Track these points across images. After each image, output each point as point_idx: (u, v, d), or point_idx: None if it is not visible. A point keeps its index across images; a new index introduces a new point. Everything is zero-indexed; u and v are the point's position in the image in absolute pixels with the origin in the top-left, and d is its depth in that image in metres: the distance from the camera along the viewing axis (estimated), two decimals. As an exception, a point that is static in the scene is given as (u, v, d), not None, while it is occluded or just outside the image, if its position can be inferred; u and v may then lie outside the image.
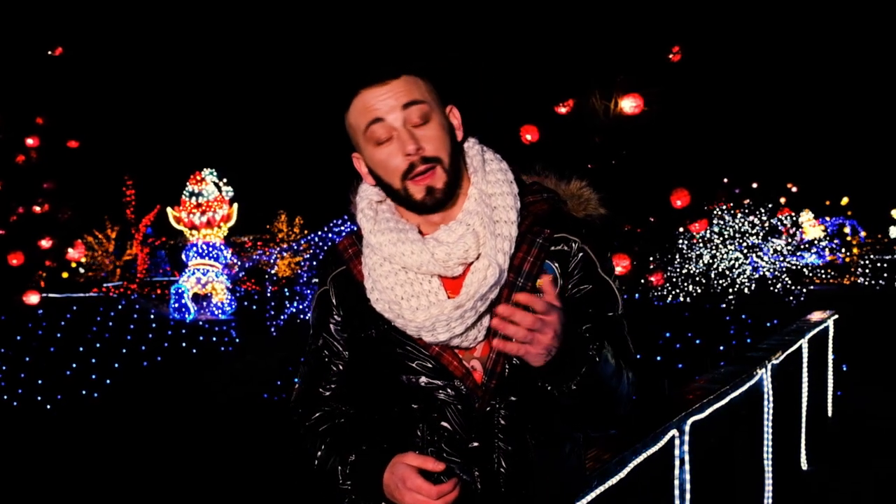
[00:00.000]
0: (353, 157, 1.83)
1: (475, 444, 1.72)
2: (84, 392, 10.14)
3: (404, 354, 1.76)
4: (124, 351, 12.67)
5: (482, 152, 1.84)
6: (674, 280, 18.80)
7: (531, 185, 1.87)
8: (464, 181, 1.80)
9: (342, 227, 16.24)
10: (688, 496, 2.85)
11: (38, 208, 24.40)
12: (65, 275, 29.57)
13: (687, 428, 2.91)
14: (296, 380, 1.97)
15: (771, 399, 4.32)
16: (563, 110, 20.26)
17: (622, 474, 2.23)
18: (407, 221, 1.78)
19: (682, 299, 18.10)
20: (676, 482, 2.82)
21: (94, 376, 10.79)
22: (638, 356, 1.81)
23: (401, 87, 1.71)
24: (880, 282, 26.11)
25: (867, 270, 26.97)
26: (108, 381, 10.68)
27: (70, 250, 25.37)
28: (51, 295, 22.46)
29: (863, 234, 36.91)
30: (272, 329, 15.28)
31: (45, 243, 23.88)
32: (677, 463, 2.82)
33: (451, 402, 1.73)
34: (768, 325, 11.81)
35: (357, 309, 1.82)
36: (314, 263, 16.58)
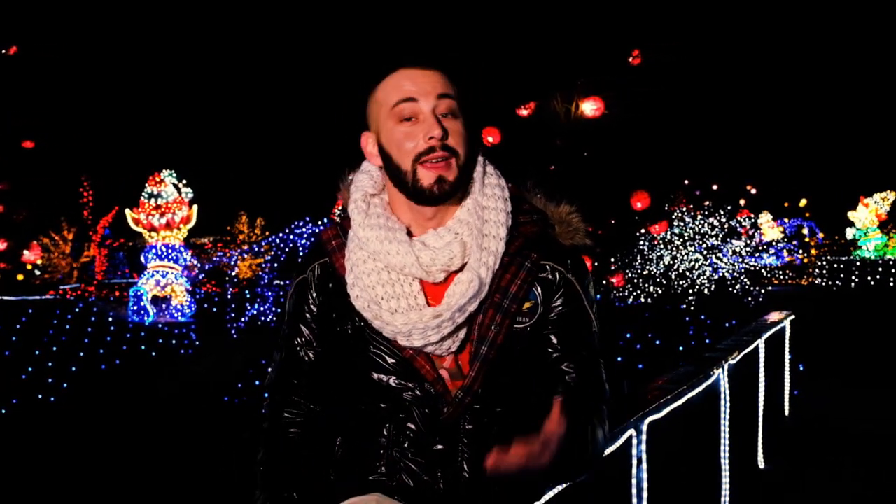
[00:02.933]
0: (361, 136, 1.83)
1: (440, 446, 1.73)
2: (40, 396, 9.97)
3: (378, 353, 1.77)
4: (81, 354, 12.48)
5: (484, 165, 1.85)
6: (635, 281, 18.95)
7: (522, 205, 1.87)
8: (463, 189, 1.79)
9: (304, 229, 16.15)
10: (645, 495, 2.87)
11: (-9, 210, 24.00)
12: (20, 277, 29.03)
13: (644, 428, 2.93)
14: (265, 362, 1.99)
15: (728, 398, 4.36)
16: (524, 113, 20.36)
17: (579, 474, 2.23)
18: (398, 220, 1.78)
19: (642, 300, 18.25)
20: (634, 481, 2.84)
21: (50, 380, 10.60)
22: (608, 389, 1.82)
23: (439, 78, 1.74)
24: (837, 282, 26.51)
25: (824, 271, 27.36)
26: (64, 385, 10.51)
27: (25, 252, 25.00)
28: (5, 297, 22.04)
29: (820, 235, 37.47)
30: (233, 331, 15.15)
31: (0, 245, 23.50)
32: (634, 462, 2.84)
33: (418, 405, 1.74)
34: (727, 325, 11.95)
35: (335, 303, 1.82)
36: (275, 265, 16.48)
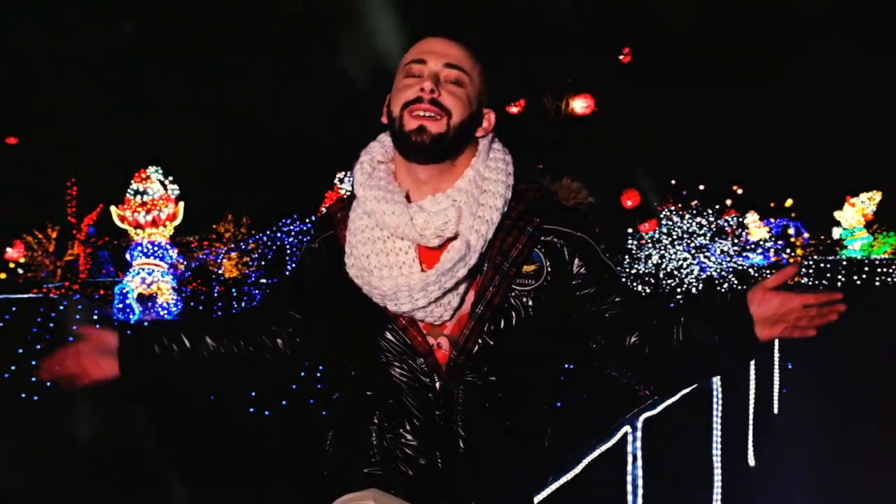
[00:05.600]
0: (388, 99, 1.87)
1: (434, 422, 1.71)
2: (24, 395, 9.91)
3: (372, 324, 1.77)
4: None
5: (492, 141, 1.89)
6: (623, 280, 18.97)
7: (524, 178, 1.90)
8: (463, 161, 1.82)
9: (291, 227, 16.10)
10: (640, 490, 2.86)
11: (-26, 207, 23.86)
12: (3, 275, 28.87)
13: (639, 424, 2.93)
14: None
15: (720, 397, 4.36)
16: (514, 110, 20.37)
17: (577, 469, 2.22)
18: (398, 185, 1.80)
19: (630, 299, 18.24)
20: (629, 477, 2.83)
21: (34, 379, 10.54)
22: None
23: (459, 52, 1.79)
24: (824, 282, 26.67)
25: (811, 271, 27.52)
26: (48, 384, 10.44)
27: (8, 250, 24.85)
28: (-11, 296, 21.91)
29: (806, 235, 37.68)
30: (219, 330, 15.08)
31: (-17, 243, 23.35)
32: (630, 458, 2.83)
33: (410, 384, 1.73)
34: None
35: (333, 275, 1.84)
36: (262, 263, 16.43)
